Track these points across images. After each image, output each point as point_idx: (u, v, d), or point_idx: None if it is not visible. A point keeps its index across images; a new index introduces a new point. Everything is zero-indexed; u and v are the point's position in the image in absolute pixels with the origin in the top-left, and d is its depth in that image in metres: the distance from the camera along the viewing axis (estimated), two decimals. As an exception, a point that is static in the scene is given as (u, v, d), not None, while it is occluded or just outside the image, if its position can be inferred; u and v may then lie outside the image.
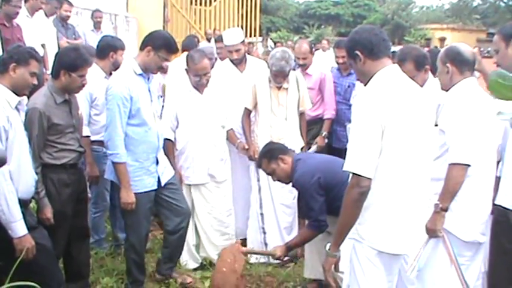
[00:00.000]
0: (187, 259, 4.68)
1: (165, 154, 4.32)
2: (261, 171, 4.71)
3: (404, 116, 2.54)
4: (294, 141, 4.84)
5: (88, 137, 4.39)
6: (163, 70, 5.46)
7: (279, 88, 4.78)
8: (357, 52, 2.64)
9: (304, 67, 5.35)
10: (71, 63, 3.58)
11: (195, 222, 4.71)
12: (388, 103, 2.51)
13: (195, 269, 4.65)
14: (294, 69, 5.08)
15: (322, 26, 28.92)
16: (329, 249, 2.73)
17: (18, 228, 3.04)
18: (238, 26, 14.70)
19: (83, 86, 3.71)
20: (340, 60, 5.44)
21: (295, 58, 5.28)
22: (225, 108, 4.79)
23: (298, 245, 4.02)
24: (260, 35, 16.89)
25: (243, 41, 5.25)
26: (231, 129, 4.90)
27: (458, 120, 3.00)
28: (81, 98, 4.37)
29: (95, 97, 4.40)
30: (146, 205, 3.97)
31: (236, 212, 4.96)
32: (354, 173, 2.51)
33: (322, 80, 5.37)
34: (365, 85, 2.69)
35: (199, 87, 4.58)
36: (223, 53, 5.71)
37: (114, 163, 3.78)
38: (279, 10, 30.24)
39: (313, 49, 6.19)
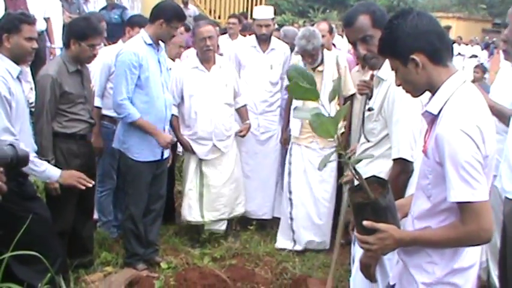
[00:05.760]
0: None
1: (172, 128, 4.41)
2: (293, 154, 4.70)
3: None
4: None
5: (100, 108, 4.37)
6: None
7: (314, 70, 4.56)
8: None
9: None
10: (80, 32, 3.62)
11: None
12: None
13: (194, 246, 4.66)
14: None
15: (327, 10, 28.72)
16: None
17: (52, 172, 3.25)
18: (243, 7, 14.59)
19: (94, 56, 3.72)
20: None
21: None
22: (234, 87, 4.72)
23: None
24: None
25: (273, 18, 5.20)
26: (245, 105, 4.87)
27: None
28: (99, 69, 4.37)
29: (113, 70, 4.29)
30: (148, 176, 4.02)
31: (250, 192, 4.98)
32: (400, 159, 2.44)
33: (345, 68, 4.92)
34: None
35: (205, 59, 4.56)
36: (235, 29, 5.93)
37: (131, 123, 3.85)
38: (284, -7, 30.00)
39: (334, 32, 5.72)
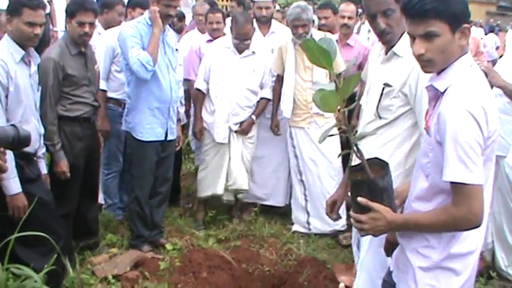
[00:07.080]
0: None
1: (194, 103, 4.61)
2: (294, 138, 4.63)
3: None
4: None
5: (105, 91, 4.35)
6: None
7: (302, 47, 4.48)
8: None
9: (346, 27, 4.98)
10: (69, 8, 3.58)
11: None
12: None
13: (199, 228, 4.66)
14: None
15: (331, -7, 28.63)
16: None
17: (12, 186, 2.99)
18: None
19: (85, 35, 3.60)
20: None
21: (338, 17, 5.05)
22: (262, 75, 4.65)
23: None
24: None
25: (274, 0, 5.12)
26: (266, 100, 4.70)
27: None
28: (103, 52, 4.33)
29: (117, 53, 4.25)
30: (153, 158, 4.03)
31: (262, 179, 4.95)
32: None
33: (365, 56, 4.68)
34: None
35: (238, 48, 4.53)
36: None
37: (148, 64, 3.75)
38: (287, -25, 29.79)
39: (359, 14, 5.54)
